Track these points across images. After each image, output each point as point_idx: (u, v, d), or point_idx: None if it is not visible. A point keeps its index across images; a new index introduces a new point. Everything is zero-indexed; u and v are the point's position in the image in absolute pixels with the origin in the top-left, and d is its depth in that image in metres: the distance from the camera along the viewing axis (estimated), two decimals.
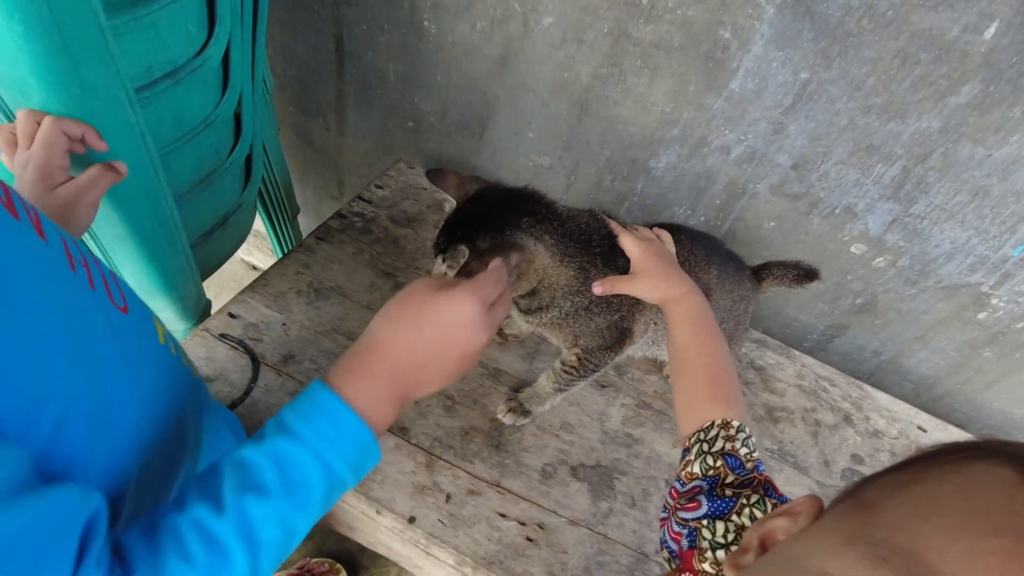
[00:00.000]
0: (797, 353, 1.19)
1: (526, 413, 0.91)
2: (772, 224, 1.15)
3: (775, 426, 1.05)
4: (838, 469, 1.01)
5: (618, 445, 0.94)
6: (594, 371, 0.86)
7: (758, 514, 0.52)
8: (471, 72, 1.22)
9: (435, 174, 0.76)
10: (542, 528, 0.82)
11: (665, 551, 0.59)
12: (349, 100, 1.42)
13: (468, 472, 0.85)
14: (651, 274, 0.76)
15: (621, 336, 0.83)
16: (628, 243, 0.78)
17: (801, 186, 1.08)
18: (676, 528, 0.56)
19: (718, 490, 0.56)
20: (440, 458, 0.86)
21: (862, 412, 1.10)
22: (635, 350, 0.89)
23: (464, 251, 0.70)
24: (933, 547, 0.25)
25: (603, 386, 1.00)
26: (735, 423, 0.61)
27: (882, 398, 1.14)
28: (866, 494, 0.32)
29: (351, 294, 1.02)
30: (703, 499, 0.56)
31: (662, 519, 0.62)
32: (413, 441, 0.86)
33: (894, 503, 0.29)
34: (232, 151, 1.10)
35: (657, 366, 1.06)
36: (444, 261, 0.73)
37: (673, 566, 0.58)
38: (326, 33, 1.30)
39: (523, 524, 0.82)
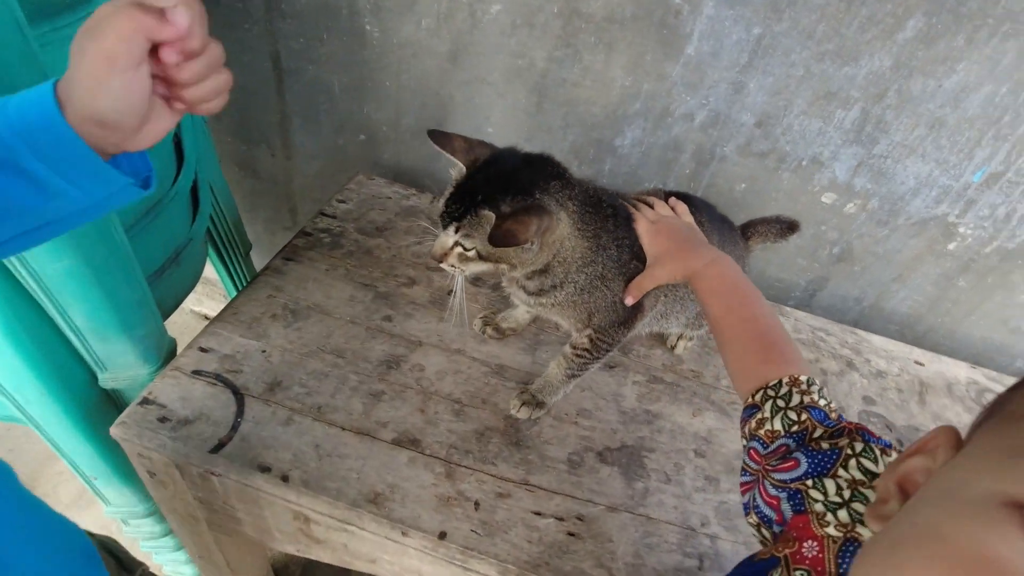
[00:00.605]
0: (788, 308, 1.20)
1: (540, 405, 0.86)
2: (743, 185, 1.16)
3: None
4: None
5: (639, 423, 0.90)
6: (607, 351, 0.82)
7: (869, 464, 0.48)
8: (421, 73, 1.19)
9: (439, 136, 0.70)
10: (581, 520, 0.76)
11: (754, 516, 0.55)
12: (293, 120, 1.35)
13: (492, 475, 0.79)
14: (667, 258, 0.75)
15: (633, 310, 0.80)
16: (640, 231, 0.77)
17: (767, 143, 1.10)
18: (772, 491, 0.52)
19: (811, 444, 0.53)
20: (459, 465, 0.79)
21: (862, 356, 1.10)
22: (644, 326, 0.86)
23: (490, 216, 0.65)
24: None
25: (611, 367, 0.96)
26: (803, 377, 0.59)
27: (876, 340, 1.16)
28: (1011, 407, 0.32)
29: (331, 310, 0.95)
30: (801, 456, 0.51)
31: (744, 484, 0.58)
32: (427, 452, 0.79)
33: None
34: (176, 179, 1.01)
35: (662, 339, 1.04)
36: (459, 230, 0.68)
37: (767, 533, 0.54)
38: (261, 51, 1.24)
39: (561, 519, 0.76)
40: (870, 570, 0.33)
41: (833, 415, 0.56)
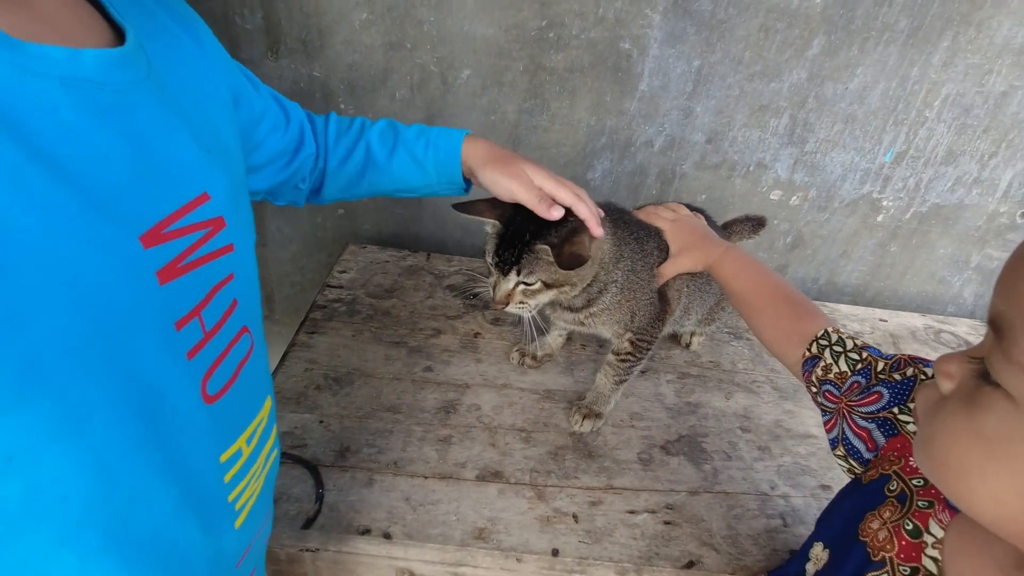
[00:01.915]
0: None
1: (598, 416, 0.91)
2: (704, 196, 1.31)
3: (774, 359, 1.15)
4: None
5: (685, 414, 0.96)
6: (648, 350, 0.89)
7: None
8: None
9: (464, 207, 0.77)
10: (672, 508, 0.81)
11: (841, 448, 0.62)
12: (268, 207, 1.36)
13: (578, 487, 0.82)
14: (690, 248, 0.85)
15: (663, 305, 0.88)
16: (663, 227, 0.87)
17: (718, 156, 1.26)
18: (862, 423, 0.60)
19: (886, 376, 0.61)
20: (546, 485, 0.81)
21: (837, 322, 1.24)
22: (671, 323, 0.94)
23: (546, 249, 0.71)
24: None
25: (643, 372, 1.04)
26: (839, 326, 0.69)
27: (843, 308, 1.32)
28: None
29: (372, 371, 0.96)
30: (882, 389, 0.59)
31: (826, 423, 0.65)
32: (513, 480, 0.81)
33: None
34: None
35: (676, 340, 1.13)
36: (520, 272, 0.74)
37: (854, 463, 0.61)
38: None
39: (654, 512, 0.80)
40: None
41: (883, 350, 0.66)
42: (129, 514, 0.36)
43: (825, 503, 0.85)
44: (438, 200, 1.33)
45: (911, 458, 0.54)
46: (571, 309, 0.85)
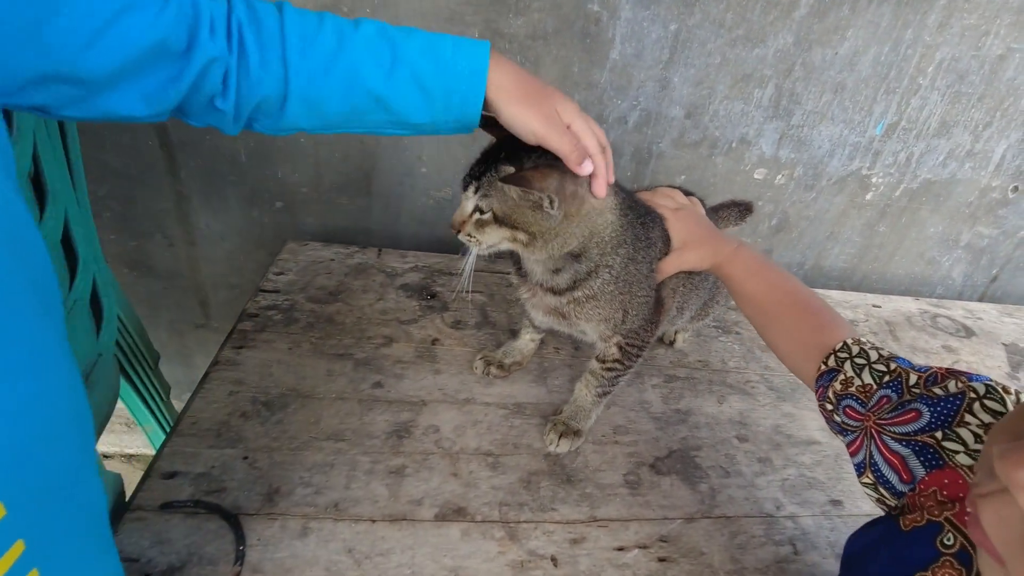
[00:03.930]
0: None
1: (576, 433, 0.78)
2: (683, 177, 1.19)
3: (767, 354, 1.05)
4: None
5: (675, 424, 0.85)
6: (638, 357, 0.77)
7: (995, 405, 0.45)
8: None
9: (485, 120, 0.62)
10: (666, 541, 0.69)
11: (870, 475, 0.51)
12: (192, 200, 1.19)
13: (556, 521, 0.69)
14: (696, 243, 0.73)
15: (657, 308, 0.76)
16: (664, 215, 0.75)
17: (698, 132, 1.14)
18: (894, 447, 0.49)
19: (921, 390, 0.50)
20: (518, 522, 0.69)
21: (859, 333, 1.16)
22: (665, 323, 0.82)
23: (509, 169, 0.59)
24: None
25: None
26: (861, 338, 0.59)
27: (834, 294, 1.23)
28: None
29: (311, 392, 0.81)
30: (921, 407, 0.49)
31: (850, 444, 0.55)
32: (479, 518, 0.68)
33: None
34: (72, 284, 0.84)
35: (659, 339, 1.01)
36: (477, 191, 0.61)
37: (886, 492, 0.50)
38: (143, 128, 1.09)
39: (645, 547, 0.68)
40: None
41: (916, 364, 0.55)
42: None
43: (838, 522, 0.75)
44: (390, 189, 1.18)
45: (968, 503, 0.43)
46: (553, 291, 0.71)
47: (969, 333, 1.17)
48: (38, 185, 0.77)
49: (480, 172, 0.62)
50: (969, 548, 0.41)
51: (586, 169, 0.59)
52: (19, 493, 0.30)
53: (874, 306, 1.20)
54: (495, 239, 0.64)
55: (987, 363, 1.08)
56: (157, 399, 1.23)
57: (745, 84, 1.09)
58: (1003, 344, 1.15)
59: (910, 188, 1.24)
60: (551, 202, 0.60)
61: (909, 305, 1.23)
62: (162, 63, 0.45)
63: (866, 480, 0.53)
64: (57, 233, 0.81)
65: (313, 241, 1.18)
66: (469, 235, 0.64)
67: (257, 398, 0.79)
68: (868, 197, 1.24)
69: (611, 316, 0.71)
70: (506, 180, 0.59)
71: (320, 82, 0.53)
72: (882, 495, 0.52)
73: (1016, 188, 1.25)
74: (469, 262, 0.66)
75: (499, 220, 0.62)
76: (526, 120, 0.57)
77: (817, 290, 1.23)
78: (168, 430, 1.25)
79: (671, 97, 1.09)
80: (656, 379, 0.93)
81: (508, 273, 0.80)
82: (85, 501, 0.37)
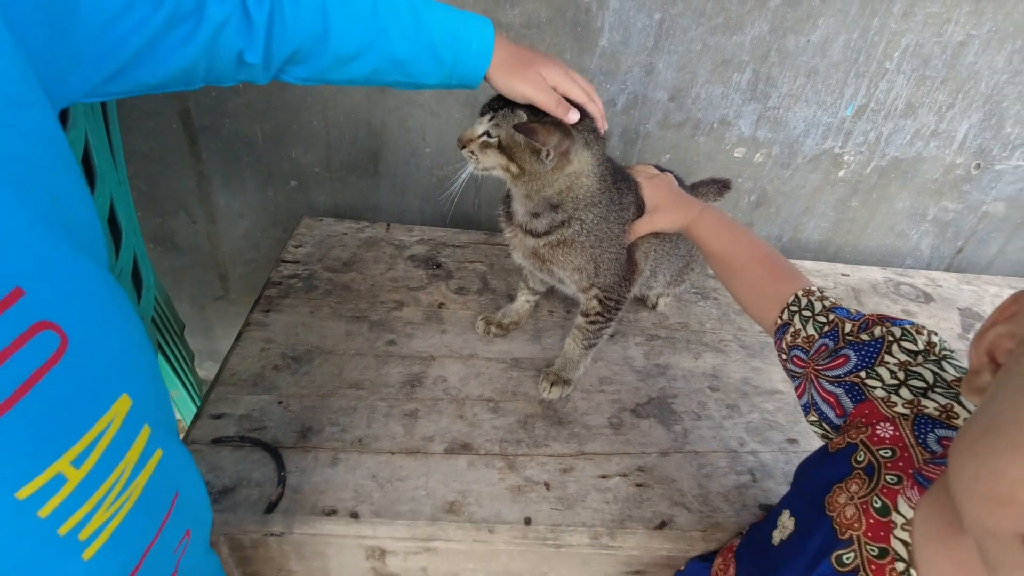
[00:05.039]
0: None
1: (567, 382, 0.89)
2: (668, 156, 1.29)
3: (741, 317, 1.15)
4: None
5: (655, 376, 0.96)
6: (617, 309, 0.88)
7: (909, 345, 0.53)
8: (349, 106, 1.19)
9: None
10: (643, 471, 0.80)
11: (814, 414, 0.60)
12: (213, 180, 1.29)
13: (549, 455, 0.81)
14: (667, 206, 0.83)
15: (630, 268, 0.86)
16: (641, 181, 0.85)
17: (681, 113, 1.23)
18: (829, 388, 0.57)
19: (853, 337, 0.58)
20: (516, 455, 0.80)
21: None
22: (639, 285, 0.92)
23: (522, 115, 0.71)
24: None
25: (611, 337, 1.02)
26: (813, 287, 0.66)
27: (807, 264, 1.33)
28: None
29: (333, 348, 0.92)
30: (849, 352, 0.57)
31: (797, 388, 0.64)
32: (483, 452, 0.80)
33: None
34: (118, 255, 0.94)
35: (644, 303, 1.12)
36: (493, 119, 0.72)
37: (828, 427, 0.59)
38: (167, 113, 1.18)
39: (625, 475, 0.80)
40: (964, 451, 0.34)
41: (853, 311, 0.63)
42: None
43: (792, 456, 0.86)
44: (396, 168, 1.28)
45: (878, 425, 0.51)
46: (532, 234, 0.82)
47: (928, 299, 1.27)
48: (87, 168, 0.87)
49: (499, 105, 0.73)
50: (874, 462, 0.49)
51: (572, 117, 0.70)
52: (141, 386, 0.40)
53: (843, 275, 1.31)
54: (491, 163, 0.75)
55: (941, 325, 1.19)
56: (184, 365, 1.34)
57: (724, 69, 1.18)
58: (958, 309, 1.25)
59: (879, 166, 1.33)
60: (547, 154, 0.72)
61: (875, 274, 1.34)
62: (176, 28, 0.47)
63: (811, 419, 0.62)
64: (105, 210, 0.91)
65: (326, 217, 1.28)
66: (472, 152, 0.75)
67: (286, 353, 0.90)
68: (840, 174, 1.34)
69: (583, 266, 0.82)
70: (517, 128, 0.70)
71: (354, 40, 0.58)
72: (825, 430, 0.61)
73: (979, 165, 1.35)
74: (463, 176, 0.78)
75: (502, 148, 0.74)
76: (514, 87, 0.68)
77: (793, 261, 1.34)
78: (195, 395, 1.37)
79: (656, 81, 1.18)
80: (639, 338, 1.04)
81: (507, 245, 0.90)
82: (167, 403, 0.48)
